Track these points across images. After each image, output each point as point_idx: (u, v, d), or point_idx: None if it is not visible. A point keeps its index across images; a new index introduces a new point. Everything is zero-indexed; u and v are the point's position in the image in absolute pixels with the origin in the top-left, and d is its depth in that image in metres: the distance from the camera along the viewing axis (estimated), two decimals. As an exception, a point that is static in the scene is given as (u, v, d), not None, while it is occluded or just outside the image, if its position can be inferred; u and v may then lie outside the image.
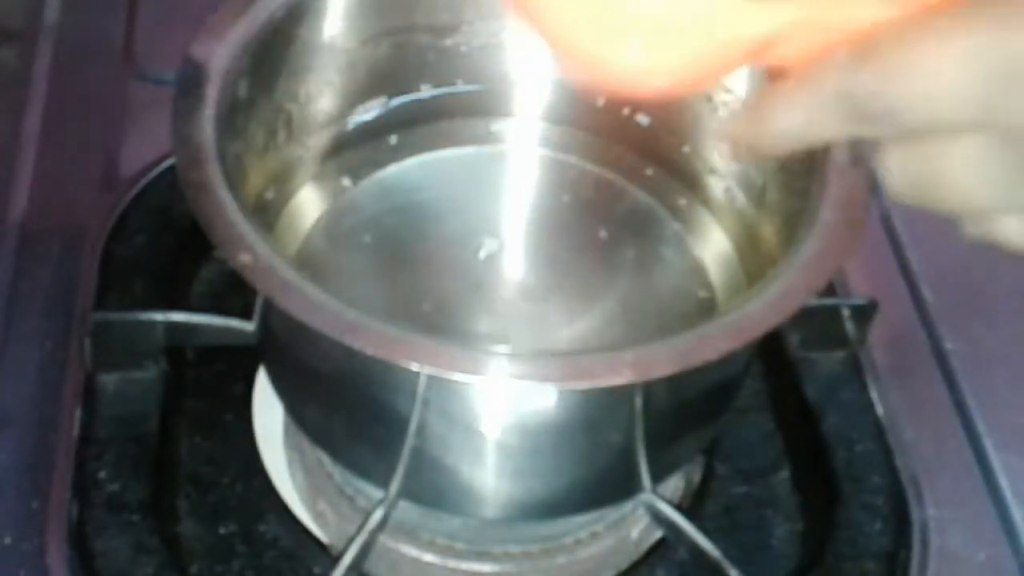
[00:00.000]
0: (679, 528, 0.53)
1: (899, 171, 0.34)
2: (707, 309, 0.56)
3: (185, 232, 0.63)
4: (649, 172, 0.60)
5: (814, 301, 0.46)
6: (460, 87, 0.60)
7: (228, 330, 0.58)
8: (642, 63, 0.40)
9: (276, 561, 0.56)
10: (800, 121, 0.35)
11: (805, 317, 0.59)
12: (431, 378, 0.44)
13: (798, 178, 0.51)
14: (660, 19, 0.38)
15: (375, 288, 0.56)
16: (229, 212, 0.45)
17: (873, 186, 0.49)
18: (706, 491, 0.60)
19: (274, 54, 0.53)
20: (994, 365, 0.64)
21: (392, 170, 0.60)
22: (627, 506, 0.56)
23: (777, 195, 0.54)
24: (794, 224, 0.49)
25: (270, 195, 0.56)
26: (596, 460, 0.50)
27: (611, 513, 0.56)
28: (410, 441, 0.48)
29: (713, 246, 0.58)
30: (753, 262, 0.56)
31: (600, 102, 0.60)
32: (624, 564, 0.57)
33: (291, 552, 0.57)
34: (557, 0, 0.39)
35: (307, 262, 0.56)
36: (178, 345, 0.61)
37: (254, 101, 0.52)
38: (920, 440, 0.61)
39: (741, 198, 0.57)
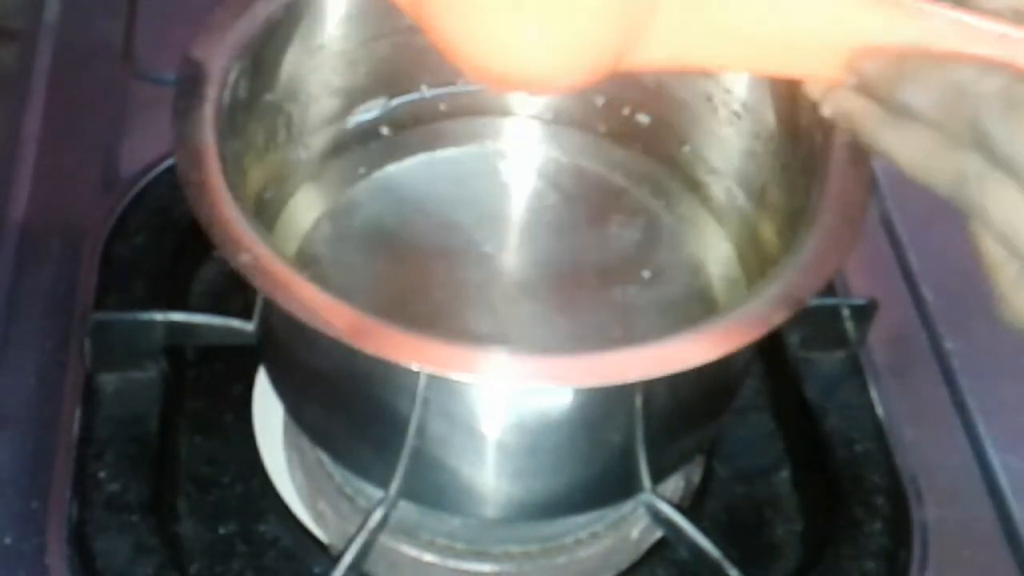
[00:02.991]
0: (679, 528, 0.53)
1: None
2: (707, 309, 0.56)
3: (185, 232, 0.63)
4: (649, 172, 0.60)
5: (814, 301, 0.46)
6: (460, 87, 0.60)
7: (228, 330, 0.58)
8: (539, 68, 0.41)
9: (276, 561, 0.56)
10: (928, 105, 0.34)
11: (805, 317, 0.59)
12: (431, 378, 0.44)
13: (798, 178, 0.51)
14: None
15: (375, 288, 0.56)
16: (229, 212, 0.45)
17: (873, 186, 0.49)
18: (706, 491, 0.60)
19: (274, 54, 0.53)
20: (994, 365, 0.64)
21: (392, 170, 0.60)
22: (627, 506, 0.56)
23: (777, 195, 0.54)
24: (794, 224, 0.49)
25: (270, 195, 0.56)
26: (596, 460, 0.50)
27: (611, 513, 0.56)
28: (410, 441, 0.48)
29: (713, 246, 0.58)
30: (753, 262, 0.56)
31: (600, 102, 0.60)
32: (624, 564, 0.57)
33: (291, 552, 0.57)
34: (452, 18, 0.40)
35: (307, 262, 0.56)
36: (178, 345, 0.61)
37: (254, 101, 0.52)
38: (920, 440, 0.61)
39: (741, 198, 0.57)
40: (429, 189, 0.60)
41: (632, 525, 0.57)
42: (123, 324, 0.58)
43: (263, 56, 0.52)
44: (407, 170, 0.60)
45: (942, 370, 0.64)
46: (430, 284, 0.56)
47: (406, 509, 0.53)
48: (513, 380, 0.43)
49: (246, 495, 0.58)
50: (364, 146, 0.60)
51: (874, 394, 0.62)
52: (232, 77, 0.50)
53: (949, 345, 0.65)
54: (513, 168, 0.61)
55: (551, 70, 0.42)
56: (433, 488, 0.52)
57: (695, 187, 0.59)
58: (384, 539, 0.54)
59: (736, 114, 0.56)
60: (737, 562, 0.52)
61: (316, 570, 0.56)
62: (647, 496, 0.53)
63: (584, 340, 0.54)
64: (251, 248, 0.44)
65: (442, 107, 0.60)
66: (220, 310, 0.59)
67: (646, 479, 0.52)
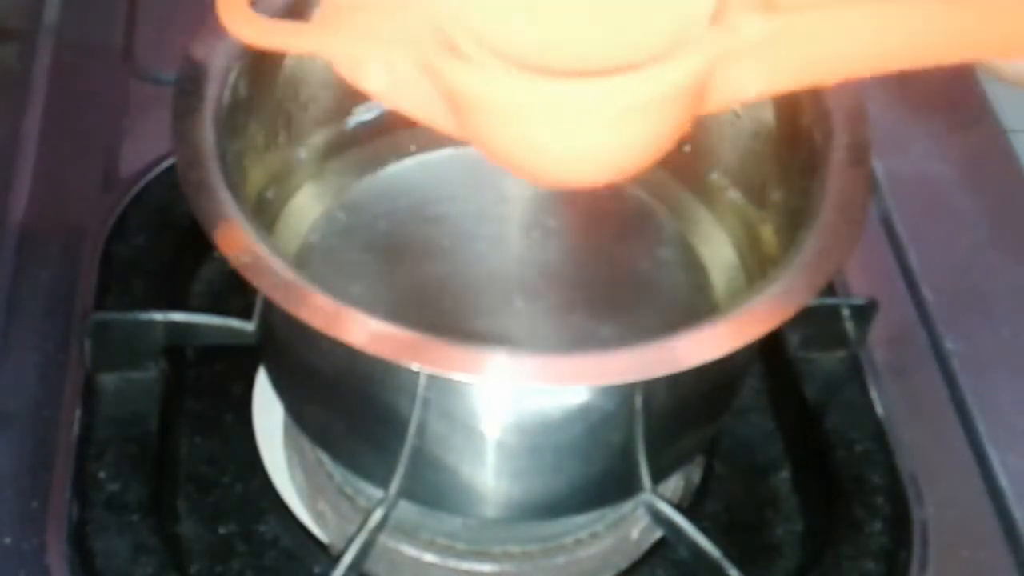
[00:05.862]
0: (679, 528, 0.53)
1: None
2: (707, 309, 0.56)
3: (185, 232, 0.63)
4: (649, 172, 0.60)
5: (814, 301, 0.46)
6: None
7: (228, 330, 0.58)
8: (582, 175, 0.41)
9: (276, 561, 0.56)
10: None
11: (805, 317, 0.59)
12: (431, 378, 0.44)
13: (798, 178, 0.51)
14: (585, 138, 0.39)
15: (375, 288, 0.56)
16: (229, 212, 0.45)
17: (873, 186, 0.49)
18: (706, 491, 0.60)
19: (274, 54, 0.53)
20: (994, 365, 0.64)
21: (392, 170, 0.60)
22: (627, 506, 0.56)
23: (777, 195, 0.54)
24: (794, 224, 0.49)
25: (270, 195, 0.56)
26: (596, 460, 0.50)
27: (611, 513, 0.56)
28: (410, 441, 0.48)
29: (713, 246, 0.58)
30: (753, 262, 0.56)
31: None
32: (624, 564, 0.57)
33: (291, 552, 0.57)
34: (504, 136, 0.40)
35: (307, 262, 0.56)
36: (178, 345, 0.61)
37: (254, 101, 0.52)
38: (920, 440, 0.61)
39: (741, 198, 0.57)
40: (428, 190, 0.60)
41: (632, 525, 0.57)
42: (123, 324, 0.58)
43: (263, 56, 0.52)
44: (406, 171, 0.60)
45: (942, 370, 0.64)
46: (429, 284, 0.56)
47: (406, 509, 0.53)
48: (513, 380, 0.43)
49: (246, 495, 0.58)
50: (364, 146, 0.59)
51: (874, 394, 0.62)
52: (232, 77, 0.50)
53: (949, 345, 0.65)
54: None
55: (601, 172, 0.43)
56: (433, 488, 0.52)
57: (695, 187, 0.59)
58: (384, 539, 0.54)
59: (736, 114, 0.56)
60: (737, 562, 0.52)
61: (316, 570, 0.56)
62: (647, 496, 0.53)
63: (584, 340, 0.54)
64: (251, 248, 0.44)
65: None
66: (220, 310, 0.59)
67: (646, 479, 0.52)
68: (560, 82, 0.38)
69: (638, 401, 0.47)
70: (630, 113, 0.39)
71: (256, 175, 0.54)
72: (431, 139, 0.60)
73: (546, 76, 0.38)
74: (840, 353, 0.63)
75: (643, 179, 0.60)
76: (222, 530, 0.57)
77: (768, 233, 0.54)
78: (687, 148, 0.59)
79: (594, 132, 0.39)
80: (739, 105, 0.42)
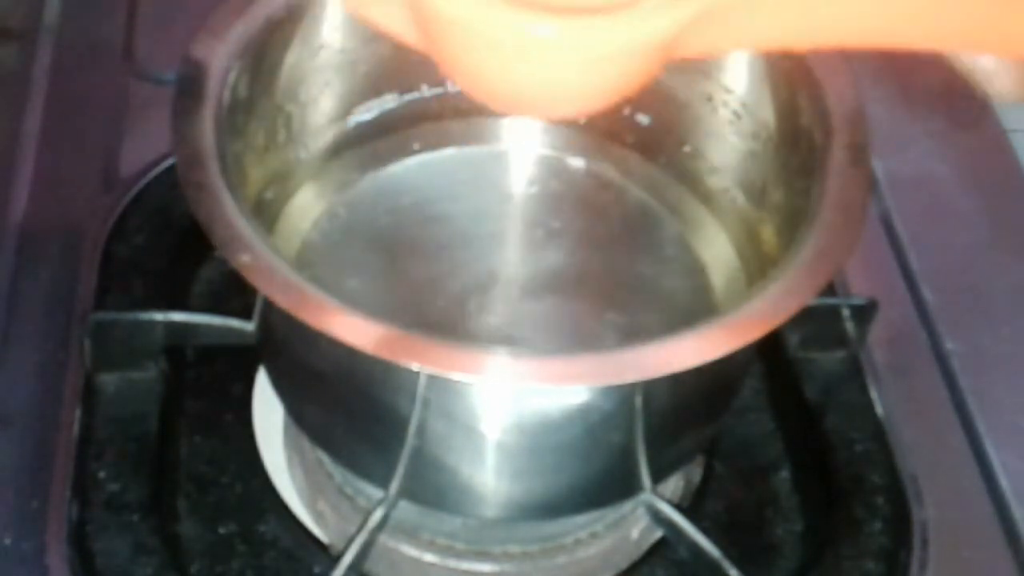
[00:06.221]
0: (679, 528, 0.53)
1: None
2: (707, 309, 0.56)
3: (185, 232, 0.63)
4: (649, 172, 0.60)
5: (814, 301, 0.46)
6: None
7: (228, 330, 0.58)
8: (551, 104, 0.41)
9: (276, 561, 0.56)
10: None
11: (805, 317, 0.59)
12: (431, 378, 0.44)
13: (798, 178, 0.51)
14: (558, 59, 0.38)
15: (375, 288, 0.56)
16: (229, 212, 0.45)
17: (873, 186, 0.49)
18: (706, 491, 0.60)
19: (274, 54, 0.53)
20: (994, 365, 0.64)
21: (392, 170, 0.60)
22: (627, 506, 0.56)
23: (777, 195, 0.54)
24: (794, 224, 0.49)
25: (270, 195, 0.56)
26: (596, 460, 0.50)
27: (611, 513, 0.56)
28: (410, 441, 0.48)
29: (713, 246, 0.58)
30: (753, 262, 0.56)
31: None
32: (624, 564, 0.57)
33: (291, 552, 0.57)
34: (468, 60, 0.39)
35: (307, 262, 0.56)
36: (178, 345, 0.61)
37: (254, 101, 0.52)
38: (920, 440, 0.61)
39: (741, 198, 0.57)
40: (429, 189, 0.60)
41: (632, 525, 0.57)
42: (123, 324, 0.58)
43: (263, 56, 0.52)
44: (407, 170, 0.60)
45: (942, 370, 0.64)
46: (429, 284, 0.56)
47: (406, 509, 0.53)
48: (513, 381, 0.43)
49: (246, 495, 0.58)
50: (364, 146, 0.59)
51: (874, 394, 0.62)
52: (232, 77, 0.50)
53: (949, 345, 0.65)
54: (513, 168, 0.61)
55: (566, 107, 0.42)
56: (433, 488, 0.52)
57: (695, 187, 0.59)
58: (384, 539, 0.54)
59: (736, 114, 0.56)
60: (737, 562, 0.52)
61: (316, 570, 0.56)
62: (647, 496, 0.53)
63: (584, 340, 0.54)
64: (251, 248, 0.44)
65: (442, 107, 0.60)
66: (220, 310, 0.59)
67: (646, 479, 0.52)
68: (539, 18, 0.37)
69: (638, 401, 0.47)
70: (604, 59, 0.38)
71: (256, 175, 0.54)
72: (433, 138, 0.61)
73: (526, 9, 0.37)
74: (840, 353, 0.63)
75: (643, 179, 0.60)
76: (222, 530, 0.57)
77: (768, 233, 0.54)
78: (687, 148, 0.59)
79: (566, 71, 0.38)
80: (712, 58, 0.42)
